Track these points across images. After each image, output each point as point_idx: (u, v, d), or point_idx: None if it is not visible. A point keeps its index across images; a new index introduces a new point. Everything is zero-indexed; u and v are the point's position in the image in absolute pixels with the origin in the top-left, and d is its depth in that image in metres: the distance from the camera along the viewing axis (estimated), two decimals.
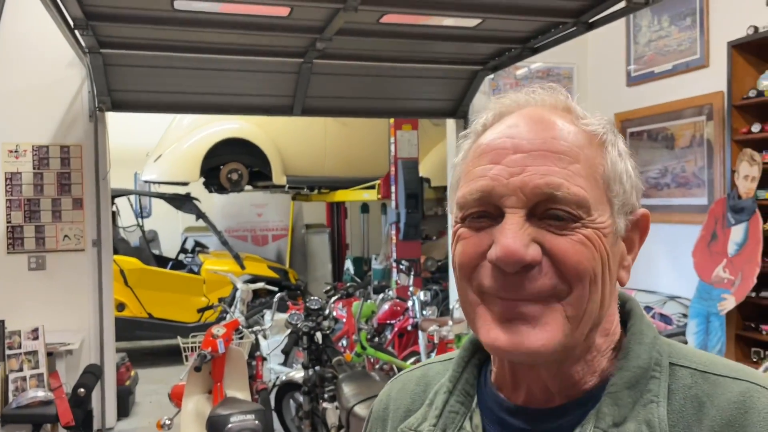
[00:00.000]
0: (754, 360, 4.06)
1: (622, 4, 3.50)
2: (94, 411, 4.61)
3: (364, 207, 9.71)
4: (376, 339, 5.20)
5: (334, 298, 4.46)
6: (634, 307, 0.77)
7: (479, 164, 0.69)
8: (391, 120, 6.54)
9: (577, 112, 0.72)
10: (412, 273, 5.81)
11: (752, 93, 4.10)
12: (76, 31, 3.64)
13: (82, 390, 3.85)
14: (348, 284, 5.76)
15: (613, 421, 0.67)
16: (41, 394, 3.85)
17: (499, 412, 0.75)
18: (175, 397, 3.73)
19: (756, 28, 4.06)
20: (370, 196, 7.55)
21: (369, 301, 5.61)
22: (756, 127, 4.10)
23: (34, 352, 4.07)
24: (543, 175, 0.65)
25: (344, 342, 5.56)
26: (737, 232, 4.11)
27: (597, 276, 0.66)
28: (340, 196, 8.52)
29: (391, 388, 0.90)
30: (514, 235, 0.65)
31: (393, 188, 6.63)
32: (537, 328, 0.66)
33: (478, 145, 0.71)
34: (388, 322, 5.37)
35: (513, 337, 0.66)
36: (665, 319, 4.78)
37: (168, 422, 3.45)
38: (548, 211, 0.66)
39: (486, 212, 0.68)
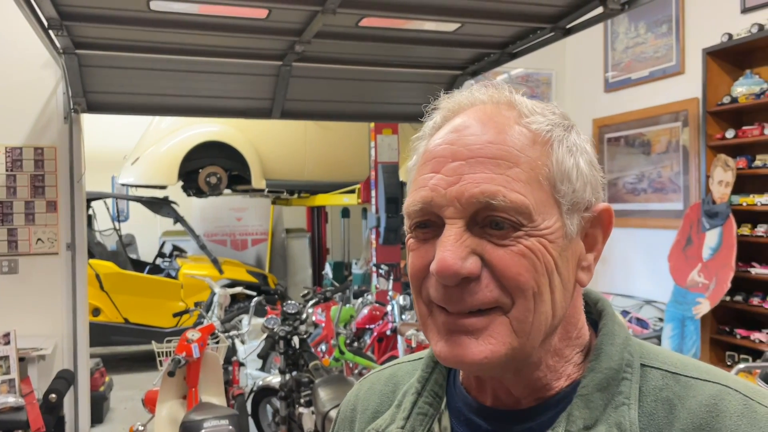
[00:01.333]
0: (729, 364, 4.11)
1: (599, 10, 3.52)
2: (67, 417, 4.52)
3: (345, 211, 9.69)
4: (355, 344, 5.18)
5: (311, 302, 4.43)
6: (606, 307, 0.75)
7: (423, 173, 0.68)
8: (372, 124, 6.54)
9: (522, 109, 0.69)
10: (392, 277, 5.80)
11: (726, 99, 4.16)
12: (51, 32, 3.58)
13: (53, 396, 3.77)
14: (327, 288, 5.74)
15: (584, 424, 0.65)
16: (11, 399, 3.77)
17: (468, 413, 0.74)
18: (149, 403, 3.67)
19: (730, 36, 4.12)
20: (351, 200, 7.53)
21: (348, 305, 5.58)
22: (730, 133, 4.16)
23: (6, 357, 3.99)
24: (478, 183, 0.64)
25: (323, 347, 5.53)
26: (712, 237, 4.15)
27: (541, 287, 0.65)
28: (321, 200, 8.49)
29: (359, 389, 0.89)
30: (451, 248, 0.64)
31: (373, 192, 6.62)
32: (480, 339, 0.65)
33: (425, 151, 0.70)
34: (367, 326, 5.35)
35: (456, 349, 0.65)
36: (642, 323, 4.82)
37: (141, 428, 3.40)
38: (488, 217, 0.64)
39: (429, 221, 0.67)
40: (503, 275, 0.64)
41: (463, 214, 0.65)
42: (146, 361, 6.90)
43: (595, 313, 0.76)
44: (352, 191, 7.41)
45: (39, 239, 4.74)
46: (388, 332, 5.11)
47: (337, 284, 7.51)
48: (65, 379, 4.05)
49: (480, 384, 0.73)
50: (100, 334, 6.76)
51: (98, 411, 5.26)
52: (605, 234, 0.73)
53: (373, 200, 6.62)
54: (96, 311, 7.00)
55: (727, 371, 0.72)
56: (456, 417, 0.75)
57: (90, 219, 7.45)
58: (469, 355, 0.65)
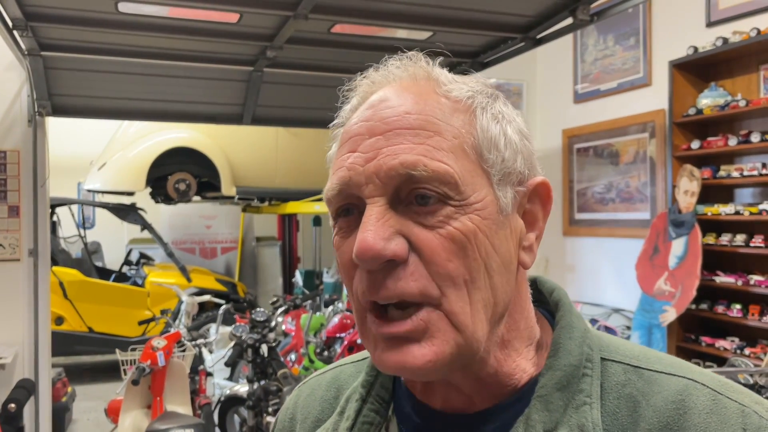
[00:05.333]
0: None
1: (568, 21, 3.57)
2: (28, 428, 4.39)
3: (317, 219, 9.64)
4: (326, 352, 5.13)
5: (280, 310, 4.38)
6: (562, 297, 0.69)
7: (340, 155, 0.64)
8: None
9: (440, 79, 0.65)
10: None
11: (692, 111, 4.24)
12: (15, 32, 3.50)
13: (12, 405, 3.66)
14: (296, 296, 5.69)
15: (544, 428, 0.60)
16: None
17: (417, 418, 0.68)
18: (112, 413, 3.58)
19: (696, 49, 4.21)
20: (322, 208, 7.49)
21: (318, 313, 5.54)
22: (695, 144, 4.24)
23: None
24: (397, 155, 0.59)
25: (293, 356, 5.47)
26: (678, 246, 4.22)
27: (474, 274, 0.59)
28: (292, 208, 8.43)
29: (298, 395, 0.82)
30: (373, 228, 0.58)
31: None
32: (422, 342, 0.59)
33: (343, 133, 0.66)
34: (337, 335, 5.30)
35: (395, 356, 0.59)
36: (610, 331, 4.87)
37: None
38: (411, 192, 0.59)
39: (351, 205, 0.62)
40: (431, 261, 0.58)
41: (384, 191, 0.60)
42: (110, 372, 6.76)
43: (551, 304, 0.70)
44: None
45: (0, 245, 4.61)
46: (359, 341, 5.07)
47: (307, 291, 7.45)
48: (25, 389, 3.94)
49: (427, 386, 0.68)
50: (63, 343, 6.60)
51: (60, 422, 5.12)
52: (545, 210, 0.67)
53: None
54: (59, 320, 6.84)
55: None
56: (404, 423, 0.69)
57: (54, 225, 7.29)
58: (412, 360, 0.58)
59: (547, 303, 0.72)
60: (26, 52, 3.86)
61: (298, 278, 8.61)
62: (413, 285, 0.58)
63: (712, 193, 4.24)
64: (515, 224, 0.64)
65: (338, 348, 5.28)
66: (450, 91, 0.64)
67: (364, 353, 0.78)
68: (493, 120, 0.64)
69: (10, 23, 3.40)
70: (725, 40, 4.00)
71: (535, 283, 0.73)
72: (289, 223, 10.35)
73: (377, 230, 0.58)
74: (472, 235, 0.59)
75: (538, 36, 3.78)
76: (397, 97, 0.63)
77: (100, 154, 7.61)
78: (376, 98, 0.65)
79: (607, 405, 0.62)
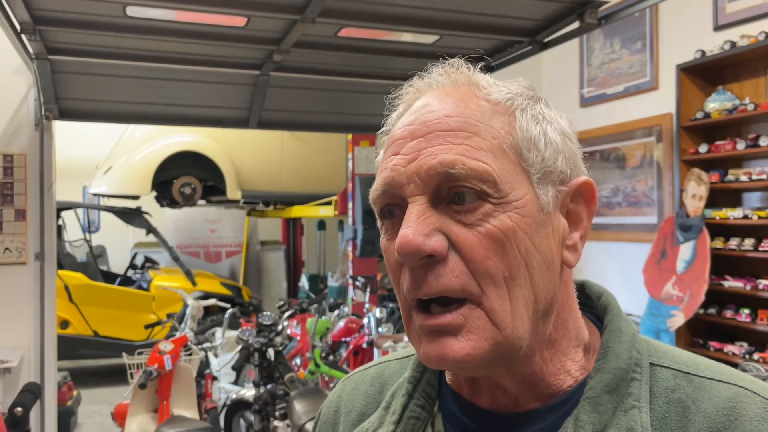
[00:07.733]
0: None
1: (575, 25, 3.56)
2: None
3: (321, 224, 9.64)
4: (331, 357, 5.12)
5: (287, 314, 4.37)
6: (611, 301, 0.71)
7: (385, 158, 0.66)
8: (349, 135, 6.53)
9: (481, 83, 0.67)
10: (368, 290, 5.77)
11: (699, 114, 4.23)
12: (23, 36, 3.51)
13: (19, 409, 3.65)
14: (302, 300, 5.68)
15: (593, 429, 0.61)
16: None
17: (462, 416, 0.69)
18: (119, 417, 3.58)
19: (703, 52, 4.20)
20: (327, 212, 7.49)
21: (324, 317, 5.53)
22: (703, 148, 4.22)
23: None
24: (436, 155, 0.61)
25: (298, 360, 5.46)
26: (686, 250, 4.20)
27: (513, 271, 0.60)
28: (297, 212, 8.43)
29: (342, 389, 0.84)
30: (413, 224, 0.60)
31: (350, 204, 6.59)
32: (460, 336, 0.60)
33: (387, 139, 0.69)
34: (343, 339, 5.29)
35: (436, 349, 0.61)
36: None
37: None
38: (451, 190, 0.61)
39: (395, 205, 0.65)
40: (470, 259, 0.60)
41: (425, 190, 0.62)
42: (115, 375, 6.76)
43: (599, 308, 0.71)
44: (329, 203, 7.37)
45: (6, 248, 4.62)
46: (365, 345, 5.06)
47: (313, 295, 7.44)
48: (32, 393, 3.93)
49: (473, 384, 0.69)
50: (68, 347, 6.61)
51: (65, 426, 5.12)
52: (589, 210, 0.68)
53: (350, 212, 6.59)
54: (64, 323, 6.84)
55: None
56: (450, 421, 0.70)
57: (60, 229, 7.30)
58: (451, 353, 0.60)
59: (593, 307, 0.72)
60: (34, 56, 3.87)
61: (305, 282, 8.61)
62: (455, 281, 0.60)
63: (720, 197, 4.22)
64: (557, 223, 0.65)
65: (344, 352, 5.27)
66: (490, 94, 0.66)
67: (408, 351, 0.80)
68: (533, 121, 0.65)
69: (18, 27, 3.41)
70: (733, 44, 3.99)
71: (582, 287, 0.74)
72: (293, 227, 10.35)
73: (417, 227, 0.60)
74: (511, 232, 0.60)
75: (545, 39, 3.78)
76: (439, 101, 0.65)
77: (106, 157, 7.63)
78: (418, 104, 0.67)
79: (656, 409, 0.63)
